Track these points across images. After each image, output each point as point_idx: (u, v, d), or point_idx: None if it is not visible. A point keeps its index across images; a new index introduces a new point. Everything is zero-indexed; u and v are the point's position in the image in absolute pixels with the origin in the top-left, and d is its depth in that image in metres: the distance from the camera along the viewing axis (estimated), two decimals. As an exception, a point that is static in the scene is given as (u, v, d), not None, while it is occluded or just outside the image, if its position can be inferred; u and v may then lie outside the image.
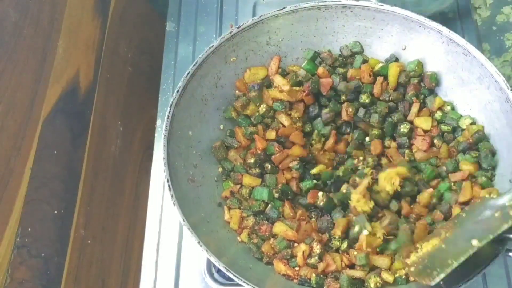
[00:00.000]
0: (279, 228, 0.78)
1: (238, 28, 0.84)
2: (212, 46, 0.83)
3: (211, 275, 0.87)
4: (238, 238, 0.79)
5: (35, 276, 0.78)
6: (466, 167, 0.78)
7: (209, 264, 0.87)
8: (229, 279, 0.83)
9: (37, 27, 0.86)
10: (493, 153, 0.78)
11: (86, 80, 0.97)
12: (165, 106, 0.79)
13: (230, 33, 0.83)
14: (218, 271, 0.87)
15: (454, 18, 1.05)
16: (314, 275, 0.73)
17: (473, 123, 0.81)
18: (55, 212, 0.84)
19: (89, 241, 0.92)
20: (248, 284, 0.69)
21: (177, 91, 0.79)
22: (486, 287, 0.82)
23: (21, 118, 0.80)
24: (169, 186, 0.74)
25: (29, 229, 0.78)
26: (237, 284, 0.71)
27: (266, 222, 0.79)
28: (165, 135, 0.77)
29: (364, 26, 0.86)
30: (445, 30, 0.80)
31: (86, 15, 1.00)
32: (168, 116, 0.78)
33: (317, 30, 0.87)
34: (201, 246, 0.71)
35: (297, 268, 0.75)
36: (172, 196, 0.73)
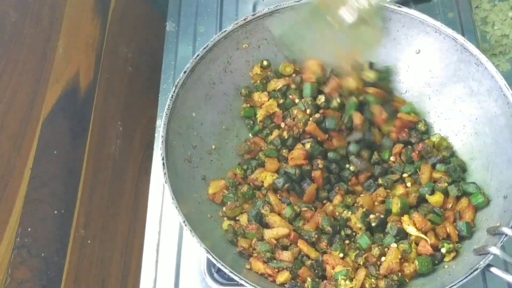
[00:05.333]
0: (274, 219, 0.78)
1: (253, 15, 0.84)
2: (225, 31, 0.83)
3: (211, 275, 0.87)
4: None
5: (35, 276, 0.78)
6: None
7: (209, 264, 0.87)
8: (229, 279, 0.83)
9: (37, 27, 0.86)
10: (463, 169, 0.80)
11: (86, 80, 0.97)
12: (165, 106, 0.79)
13: (245, 19, 0.84)
14: (218, 271, 0.87)
15: (454, 17, 1.05)
16: (309, 279, 0.72)
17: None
18: (55, 212, 0.84)
19: (89, 241, 0.92)
20: (225, 267, 0.69)
21: (184, 72, 0.80)
22: (486, 286, 0.83)
23: (21, 118, 0.80)
24: (163, 164, 0.74)
25: (29, 229, 0.77)
26: (237, 284, 0.71)
27: (255, 223, 0.78)
28: (166, 114, 0.78)
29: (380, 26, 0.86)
30: (460, 38, 0.80)
31: (86, 15, 1.00)
32: (172, 95, 0.78)
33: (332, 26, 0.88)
34: (185, 225, 0.71)
35: (276, 269, 0.74)
36: (165, 174, 0.74)
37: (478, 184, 0.78)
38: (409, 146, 0.84)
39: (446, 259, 0.73)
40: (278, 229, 0.77)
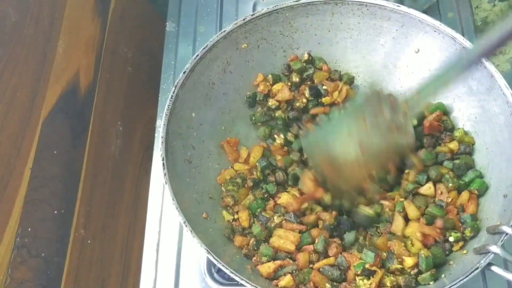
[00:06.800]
0: (280, 233, 0.77)
1: (252, 15, 0.84)
2: (224, 31, 0.83)
3: (211, 275, 0.87)
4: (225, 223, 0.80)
5: (35, 276, 0.78)
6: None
7: (209, 264, 0.87)
8: (229, 279, 0.83)
9: (37, 27, 0.86)
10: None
11: (86, 80, 0.97)
12: (165, 106, 0.79)
13: (244, 19, 0.84)
14: (218, 271, 0.87)
15: (454, 18, 1.05)
16: (328, 285, 0.72)
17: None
18: (55, 212, 0.84)
19: (89, 241, 0.92)
20: (226, 268, 0.69)
21: (184, 72, 0.80)
22: (486, 286, 0.83)
23: (21, 118, 0.80)
24: (163, 164, 0.74)
25: (29, 229, 0.77)
26: (237, 284, 0.71)
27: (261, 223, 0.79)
28: (166, 114, 0.78)
29: (379, 25, 0.86)
30: (459, 37, 0.79)
31: (86, 15, 1.00)
32: (172, 95, 0.78)
33: (332, 25, 0.88)
34: (186, 226, 0.71)
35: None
36: (165, 174, 0.74)
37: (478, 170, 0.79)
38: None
39: (455, 248, 0.74)
40: (285, 242, 0.77)
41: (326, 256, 0.75)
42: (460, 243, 0.74)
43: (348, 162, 0.75)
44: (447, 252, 0.74)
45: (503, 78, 0.76)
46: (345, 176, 0.77)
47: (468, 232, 0.73)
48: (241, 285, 0.69)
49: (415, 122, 0.84)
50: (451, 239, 0.74)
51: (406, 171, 0.82)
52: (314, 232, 0.77)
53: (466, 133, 0.82)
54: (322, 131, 0.81)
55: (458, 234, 0.73)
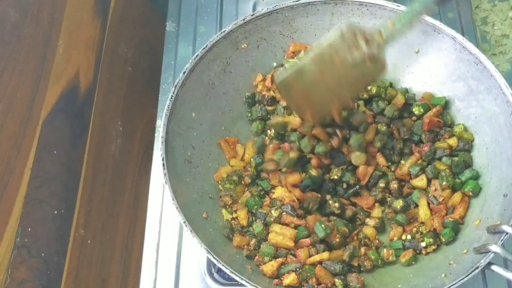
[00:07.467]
0: (277, 227, 0.77)
1: (252, 15, 0.84)
2: (224, 31, 0.83)
3: (211, 275, 0.87)
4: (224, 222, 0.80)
5: (35, 276, 0.78)
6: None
7: (209, 264, 0.87)
8: (229, 279, 0.83)
9: (37, 27, 0.86)
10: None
11: (86, 80, 0.97)
12: (165, 106, 0.79)
13: (244, 19, 0.84)
14: (218, 271, 0.87)
15: (454, 18, 1.05)
16: (339, 281, 0.72)
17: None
18: (55, 212, 0.84)
19: (89, 241, 0.91)
20: (226, 267, 0.69)
21: (184, 72, 0.80)
22: (485, 286, 0.83)
23: (21, 118, 0.80)
24: (163, 164, 0.74)
25: (29, 229, 0.77)
26: (237, 284, 0.71)
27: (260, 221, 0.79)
28: (166, 114, 0.78)
29: (379, 25, 0.86)
30: (459, 37, 0.80)
31: (86, 15, 1.00)
32: (172, 96, 0.79)
33: (332, 25, 0.88)
34: (186, 226, 0.71)
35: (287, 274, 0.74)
36: (165, 174, 0.74)
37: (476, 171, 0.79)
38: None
39: (428, 250, 0.76)
40: (284, 238, 0.77)
41: (329, 248, 0.76)
42: (433, 247, 0.76)
43: (321, 95, 0.75)
44: (417, 251, 0.77)
45: (503, 78, 0.76)
46: (319, 106, 0.77)
47: (443, 238, 0.75)
48: (241, 285, 0.69)
49: (421, 110, 0.84)
50: (423, 244, 0.76)
51: (402, 161, 0.83)
52: (310, 219, 0.78)
53: (466, 128, 0.82)
54: (297, 71, 0.77)
55: (431, 240, 0.75)
